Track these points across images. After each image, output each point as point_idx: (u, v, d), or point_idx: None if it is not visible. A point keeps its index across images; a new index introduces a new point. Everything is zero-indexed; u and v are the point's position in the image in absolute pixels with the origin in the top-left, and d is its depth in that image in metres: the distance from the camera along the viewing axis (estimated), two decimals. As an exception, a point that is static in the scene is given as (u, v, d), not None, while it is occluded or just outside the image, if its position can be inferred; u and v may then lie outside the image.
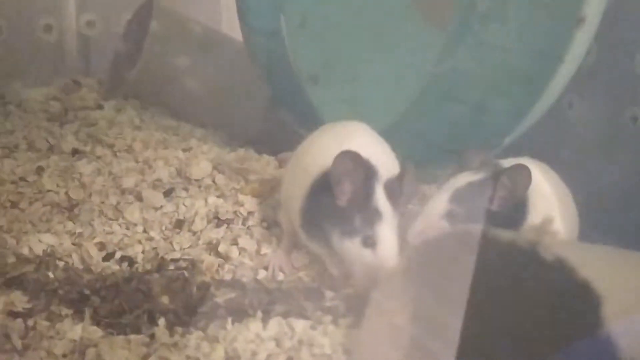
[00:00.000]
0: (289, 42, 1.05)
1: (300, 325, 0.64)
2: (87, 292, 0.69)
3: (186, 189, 0.94)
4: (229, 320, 0.64)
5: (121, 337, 0.63)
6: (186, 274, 0.74)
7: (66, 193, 0.89)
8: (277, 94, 1.10)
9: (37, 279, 0.71)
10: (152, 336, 0.63)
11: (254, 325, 0.64)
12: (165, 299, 0.69)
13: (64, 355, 0.61)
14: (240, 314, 0.66)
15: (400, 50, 0.93)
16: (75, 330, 0.64)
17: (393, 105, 0.94)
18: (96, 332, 0.64)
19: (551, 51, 0.75)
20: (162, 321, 0.65)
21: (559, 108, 0.91)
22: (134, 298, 0.69)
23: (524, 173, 0.70)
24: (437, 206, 0.75)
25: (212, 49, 1.29)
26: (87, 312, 0.66)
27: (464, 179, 0.75)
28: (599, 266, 0.48)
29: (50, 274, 0.72)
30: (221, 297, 0.68)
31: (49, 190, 0.89)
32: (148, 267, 0.76)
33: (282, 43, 1.05)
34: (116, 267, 0.76)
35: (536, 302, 0.50)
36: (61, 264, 0.75)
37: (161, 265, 0.76)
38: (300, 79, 1.05)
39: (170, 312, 0.67)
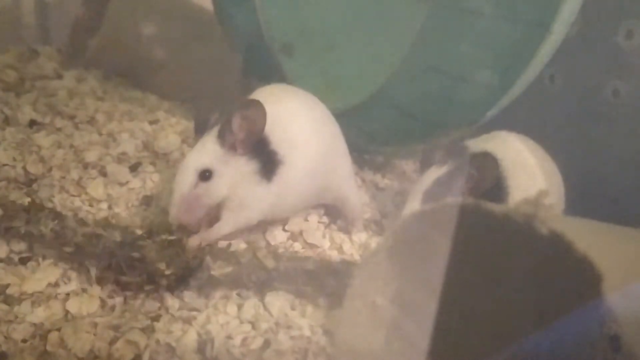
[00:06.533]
0: (261, 10, 1.01)
1: (277, 306, 0.62)
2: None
3: (153, 164, 0.90)
4: (203, 303, 0.62)
5: (86, 320, 0.59)
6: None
7: (23, 167, 0.84)
8: (249, 64, 1.06)
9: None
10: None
11: (229, 308, 0.62)
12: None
13: (24, 340, 0.58)
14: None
15: (379, 19, 0.90)
16: (36, 313, 0.61)
17: (371, 76, 0.91)
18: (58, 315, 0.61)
19: (538, 20, 0.72)
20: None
21: (540, 82, 0.89)
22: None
23: (489, 162, 0.69)
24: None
25: (179, 16, 1.24)
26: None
27: (430, 176, 0.73)
28: (594, 240, 0.47)
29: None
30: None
31: (4, 165, 0.84)
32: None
33: (254, 10, 1.01)
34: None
35: (532, 277, 0.48)
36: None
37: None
38: (273, 49, 1.01)
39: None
